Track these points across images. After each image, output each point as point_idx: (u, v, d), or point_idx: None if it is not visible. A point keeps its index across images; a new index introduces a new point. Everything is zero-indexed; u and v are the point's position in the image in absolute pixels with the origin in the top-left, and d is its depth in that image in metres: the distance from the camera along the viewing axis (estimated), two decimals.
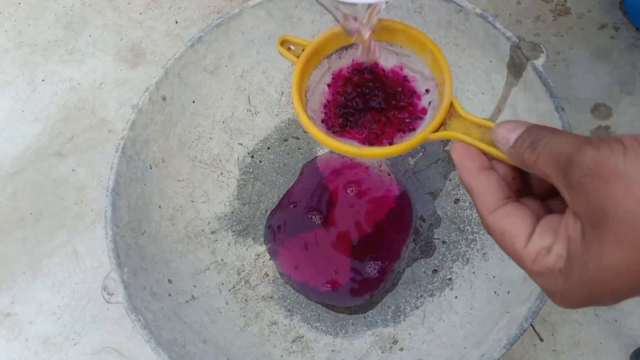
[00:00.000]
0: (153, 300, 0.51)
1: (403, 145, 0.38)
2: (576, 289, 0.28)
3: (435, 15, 0.57)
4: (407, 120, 0.41)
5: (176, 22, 0.84)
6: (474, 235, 0.59)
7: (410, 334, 0.55)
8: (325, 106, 0.43)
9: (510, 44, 0.53)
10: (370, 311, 0.58)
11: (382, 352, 0.55)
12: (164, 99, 0.57)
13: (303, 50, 0.42)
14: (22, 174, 0.76)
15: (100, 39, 0.84)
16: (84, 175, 0.75)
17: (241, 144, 0.64)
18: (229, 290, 0.58)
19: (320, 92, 0.44)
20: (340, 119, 0.42)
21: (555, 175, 0.28)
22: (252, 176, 0.64)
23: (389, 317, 0.57)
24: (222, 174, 0.63)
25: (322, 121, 0.43)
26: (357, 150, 0.38)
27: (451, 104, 0.38)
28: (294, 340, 0.56)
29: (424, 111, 0.42)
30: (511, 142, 0.31)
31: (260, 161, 0.65)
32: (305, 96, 0.43)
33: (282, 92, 0.64)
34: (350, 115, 0.42)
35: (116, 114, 0.79)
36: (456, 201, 0.61)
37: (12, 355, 0.67)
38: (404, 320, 0.57)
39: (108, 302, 0.48)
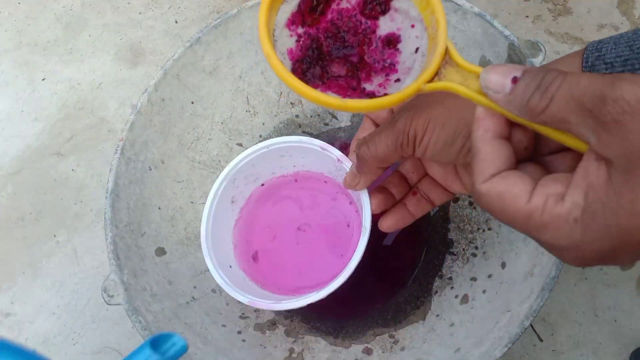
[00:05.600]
0: (153, 302, 0.51)
1: (393, 97, 0.33)
2: (596, 241, 0.25)
3: None
4: (387, 66, 0.37)
5: (176, 22, 0.84)
6: (474, 234, 0.59)
7: (410, 334, 0.55)
8: (290, 52, 0.38)
9: (508, 43, 0.53)
10: (371, 311, 0.58)
11: (383, 352, 0.55)
12: (162, 100, 0.57)
13: None
14: (22, 174, 0.77)
15: (100, 39, 0.84)
16: (83, 175, 0.75)
17: (240, 145, 0.64)
18: None
19: (287, 37, 0.38)
20: (309, 73, 0.37)
21: (576, 118, 0.26)
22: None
23: (389, 316, 0.57)
24: None
25: (292, 70, 0.37)
26: (341, 102, 0.33)
27: (446, 50, 0.33)
28: (294, 341, 0.56)
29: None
30: (508, 89, 0.28)
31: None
32: (274, 36, 0.37)
33: (281, 93, 0.64)
34: (315, 66, 0.37)
35: (115, 114, 0.79)
36: (455, 200, 0.61)
37: None
38: (404, 319, 0.57)
39: (109, 304, 0.48)
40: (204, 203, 0.61)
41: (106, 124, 0.78)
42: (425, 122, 0.38)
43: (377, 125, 0.47)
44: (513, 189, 0.28)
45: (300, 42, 0.38)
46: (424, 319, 0.56)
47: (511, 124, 0.30)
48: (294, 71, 0.37)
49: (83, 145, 0.77)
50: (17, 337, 0.68)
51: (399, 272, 0.59)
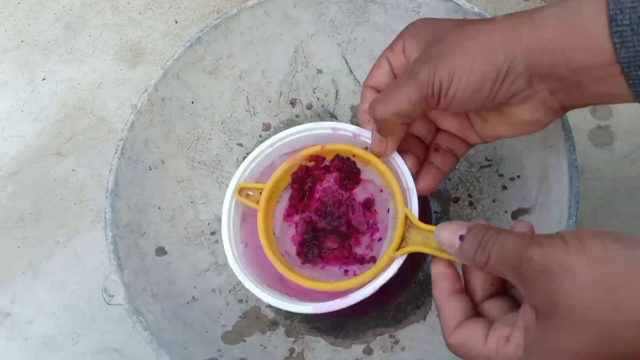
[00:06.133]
0: (154, 302, 0.51)
1: (371, 271, 0.40)
2: None
3: (433, 14, 0.57)
4: (370, 225, 0.46)
5: (176, 22, 0.84)
6: None
7: (411, 334, 0.55)
8: (293, 238, 0.47)
9: None
10: (371, 311, 0.58)
11: (384, 352, 0.55)
12: (162, 100, 0.57)
13: (261, 193, 0.45)
14: (22, 174, 0.77)
15: (100, 39, 0.84)
16: (83, 175, 0.75)
17: (240, 145, 0.64)
18: (229, 291, 0.58)
19: (287, 227, 0.47)
20: (309, 254, 0.45)
21: (508, 274, 0.31)
22: None
23: (389, 316, 0.57)
24: (221, 174, 0.63)
25: (297, 254, 0.46)
26: (331, 285, 0.42)
27: (406, 217, 0.39)
28: (295, 341, 0.57)
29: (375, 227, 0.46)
30: (457, 246, 0.33)
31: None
32: (275, 234, 0.46)
33: (281, 93, 0.64)
34: (313, 247, 0.45)
35: (116, 114, 0.79)
36: (455, 200, 0.61)
37: (12, 355, 0.67)
38: (405, 319, 0.57)
39: (109, 304, 0.48)
40: (204, 203, 0.61)
41: (106, 124, 0.78)
42: (450, 71, 0.36)
43: (379, 92, 0.44)
44: (471, 338, 0.32)
45: (298, 228, 0.46)
46: (424, 319, 0.56)
47: (466, 276, 0.36)
48: (299, 254, 0.45)
49: (83, 145, 0.77)
50: (17, 337, 0.68)
51: (400, 272, 0.59)
